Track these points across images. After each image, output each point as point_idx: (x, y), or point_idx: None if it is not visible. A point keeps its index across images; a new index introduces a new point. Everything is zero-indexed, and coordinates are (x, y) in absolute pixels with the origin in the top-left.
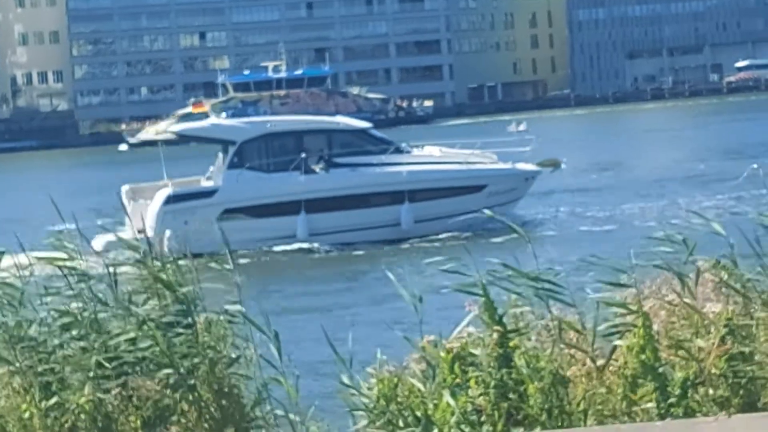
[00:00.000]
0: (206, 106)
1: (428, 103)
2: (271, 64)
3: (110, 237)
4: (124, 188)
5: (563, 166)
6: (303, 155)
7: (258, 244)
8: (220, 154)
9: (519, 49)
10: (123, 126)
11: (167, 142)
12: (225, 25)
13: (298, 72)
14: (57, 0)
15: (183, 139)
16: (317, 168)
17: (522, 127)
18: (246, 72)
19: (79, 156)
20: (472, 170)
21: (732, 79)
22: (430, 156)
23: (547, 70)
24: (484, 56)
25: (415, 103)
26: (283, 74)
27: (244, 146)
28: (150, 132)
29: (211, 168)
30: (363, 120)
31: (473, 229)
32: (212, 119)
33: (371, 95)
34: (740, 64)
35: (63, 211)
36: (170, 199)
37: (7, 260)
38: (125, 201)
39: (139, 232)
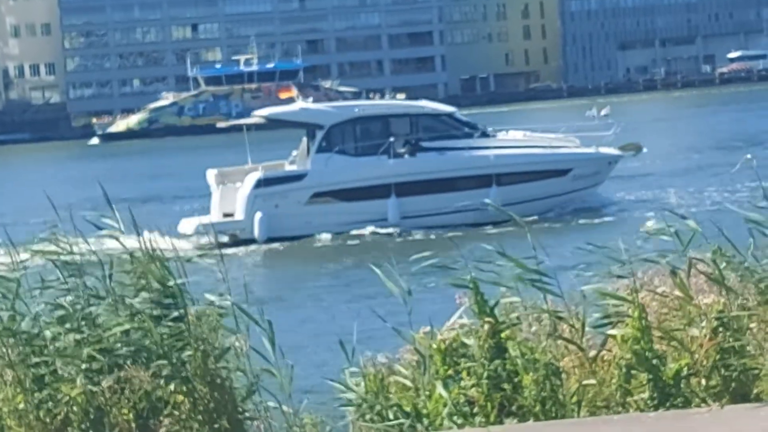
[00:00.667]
0: (293, 91)
1: (401, 96)
2: (242, 58)
3: (202, 220)
4: (212, 172)
5: (644, 150)
6: (391, 139)
7: (347, 228)
8: (304, 139)
9: (511, 41)
10: (94, 119)
11: (257, 127)
12: (217, 17)
13: (270, 65)
14: None
15: (271, 123)
16: (403, 152)
17: (605, 111)
18: (217, 65)
19: (71, 148)
20: (558, 154)
21: (724, 70)
22: (516, 140)
23: (540, 61)
24: (476, 47)
25: (387, 96)
26: (254, 67)
27: (331, 130)
28: (120, 125)
29: (294, 152)
30: None
31: (556, 213)
32: (300, 103)
33: (343, 88)
34: (732, 55)
35: (57, 203)
36: (261, 183)
37: (2, 254)
38: (213, 184)
39: (226, 215)
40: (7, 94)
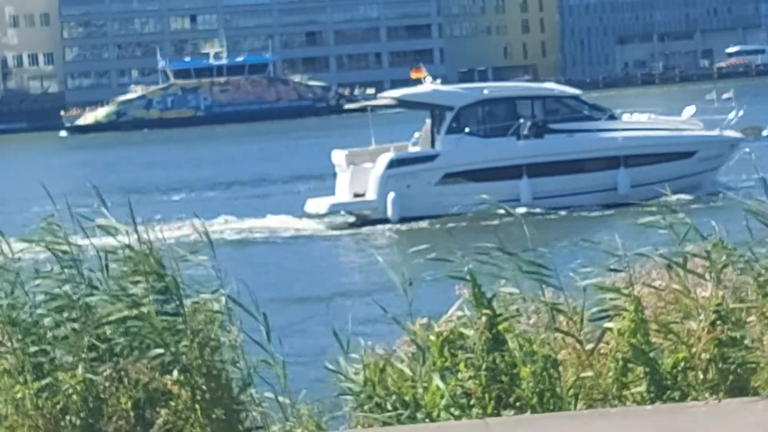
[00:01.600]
0: (423, 72)
1: (370, 90)
2: (212, 51)
3: (330, 200)
4: (340, 153)
5: (765, 133)
6: (521, 121)
7: (478, 208)
8: (428, 120)
9: (510, 34)
10: (62, 112)
11: (378, 107)
12: (216, 8)
13: (240, 59)
14: None
15: (402, 104)
16: (532, 133)
17: (727, 95)
18: (187, 59)
19: (67, 138)
20: (685, 137)
21: (722, 64)
22: (641, 123)
23: (538, 54)
24: (475, 40)
25: (357, 91)
26: (224, 61)
27: (461, 112)
28: (89, 118)
29: (417, 134)
30: (304, 108)
31: (683, 194)
32: (431, 85)
33: (312, 83)
34: (731, 49)
35: (54, 192)
36: (393, 163)
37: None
38: (344, 165)
39: (357, 195)
40: (5, 84)
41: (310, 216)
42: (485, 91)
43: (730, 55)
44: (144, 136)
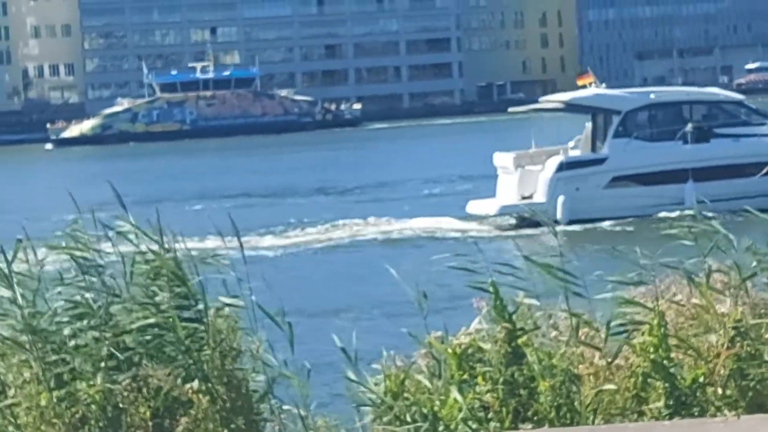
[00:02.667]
0: (591, 77)
1: (357, 105)
2: (198, 65)
3: (502, 202)
4: (506, 155)
5: None
6: (689, 125)
7: (645, 211)
8: (588, 124)
9: (529, 48)
10: (48, 125)
11: (545, 110)
12: (236, 20)
13: (226, 73)
14: None
15: (569, 108)
16: (697, 138)
17: None
18: (173, 72)
19: (87, 149)
20: None
21: (742, 81)
22: None
23: (557, 69)
24: (493, 55)
25: (343, 106)
26: (210, 75)
27: (628, 116)
28: (74, 131)
29: (578, 137)
30: (290, 122)
31: None
32: (597, 89)
33: (298, 97)
34: (750, 66)
35: (77, 201)
36: (563, 166)
37: (23, 251)
38: (510, 167)
39: (524, 198)
40: (26, 94)
41: (471, 218)
42: (652, 96)
43: (750, 71)
44: (135, 148)
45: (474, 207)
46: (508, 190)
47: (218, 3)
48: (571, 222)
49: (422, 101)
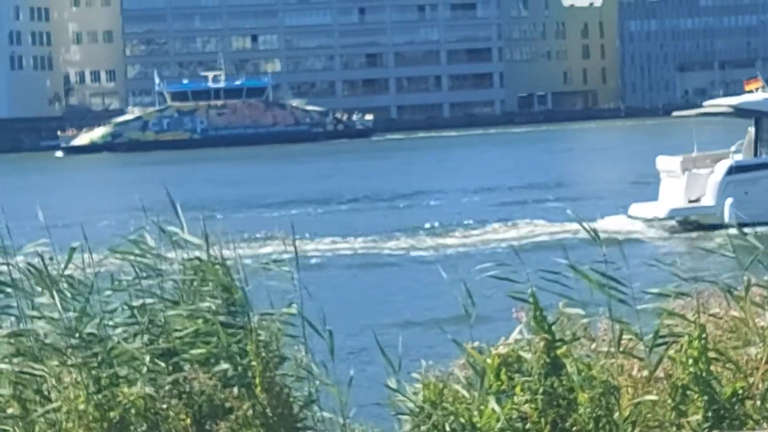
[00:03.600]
0: (760, 82)
1: (369, 116)
2: (211, 74)
3: (671, 205)
4: (672, 159)
5: None
6: None
7: None
8: (751, 129)
9: (570, 59)
10: (59, 132)
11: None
12: (277, 28)
13: (238, 82)
14: (111, 0)
15: (738, 112)
16: None
17: None
18: (185, 81)
19: (96, 156)
20: None
21: None
22: None
23: (598, 80)
24: (534, 65)
25: (355, 117)
26: (221, 84)
27: None
28: (84, 139)
29: (739, 142)
30: (301, 132)
31: None
32: (766, 94)
33: (310, 107)
34: None
35: (114, 208)
36: (733, 170)
37: (79, 256)
38: (677, 171)
39: (691, 201)
40: (67, 100)
41: (635, 219)
42: None
43: None
44: (143, 156)
45: (638, 210)
46: (675, 193)
47: (260, 11)
48: (739, 225)
49: (462, 111)
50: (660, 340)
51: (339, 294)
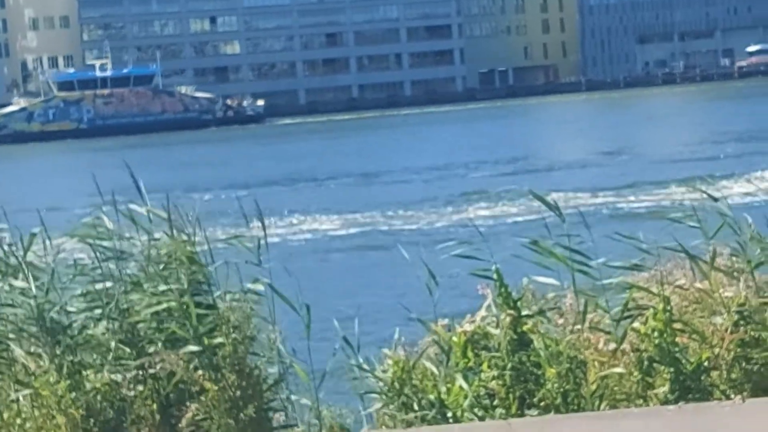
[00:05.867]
0: None
1: (260, 102)
2: (97, 63)
3: None
4: None
5: None
6: None
7: None
8: None
9: (530, 34)
10: None
11: None
12: (236, 10)
13: (125, 71)
14: None
15: None
16: None
17: None
18: (71, 70)
19: (93, 141)
20: None
21: (743, 63)
22: None
23: (559, 54)
24: (495, 41)
25: (246, 103)
26: (108, 73)
27: None
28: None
29: None
30: (190, 119)
31: None
32: None
33: (199, 94)
34: (751, 48)
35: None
36: None
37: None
38: None
39: None
40: (25, 87)
41: None
42: None
43: (751, 54)
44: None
45: None
46: None
47: None
48: None
49: (424, 89)
50: (626, 314)
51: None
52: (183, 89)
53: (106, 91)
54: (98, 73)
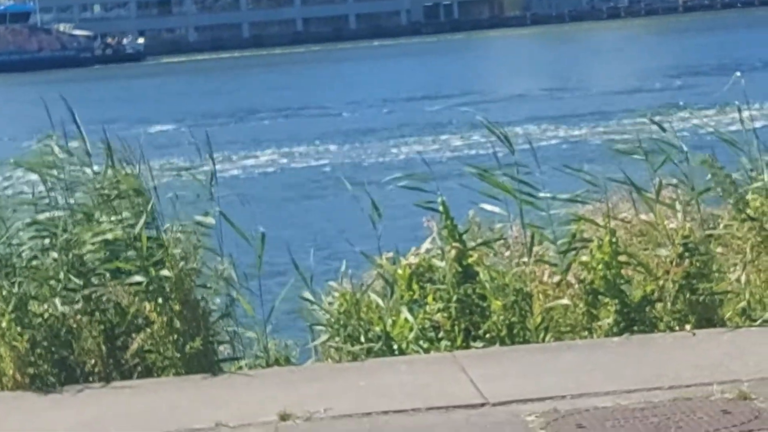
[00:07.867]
0: None
1: (140, 40)
2: None
3: None
4: None
5: None
6: None
7: None
8: None
9: None
10: None
11: None
12: None
13: (0, 8)
14: None
15: None
16: None
17: None
18: None
19: (38, 74)
20: None
21: None
22: None
23: None
24: None
25: (125, 40)
26: None
27: None
28: None
29: None
30: (68, 58)
31: None
32: None
33: (77, 32)
34: None
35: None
36: None
37: None
38: None
39: None
40: None
41: None
42: None
43: None
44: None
45: None
46: None
47: None
48: None
49: (368, 22)
50: (572, 245)
51: (245, 211)
52: (62, 27)
53: None
54: None
